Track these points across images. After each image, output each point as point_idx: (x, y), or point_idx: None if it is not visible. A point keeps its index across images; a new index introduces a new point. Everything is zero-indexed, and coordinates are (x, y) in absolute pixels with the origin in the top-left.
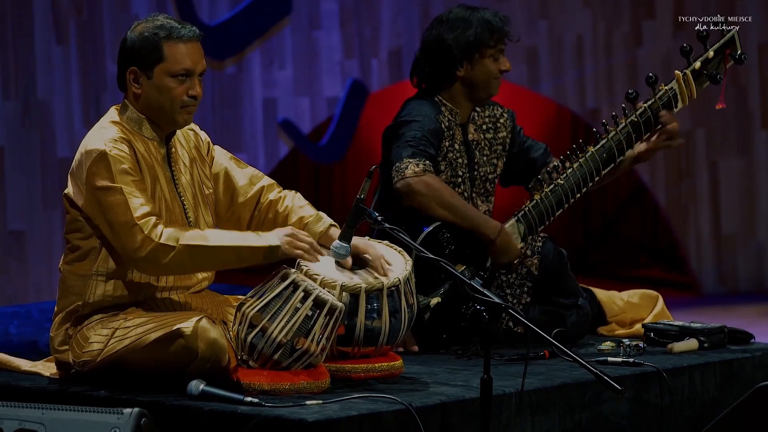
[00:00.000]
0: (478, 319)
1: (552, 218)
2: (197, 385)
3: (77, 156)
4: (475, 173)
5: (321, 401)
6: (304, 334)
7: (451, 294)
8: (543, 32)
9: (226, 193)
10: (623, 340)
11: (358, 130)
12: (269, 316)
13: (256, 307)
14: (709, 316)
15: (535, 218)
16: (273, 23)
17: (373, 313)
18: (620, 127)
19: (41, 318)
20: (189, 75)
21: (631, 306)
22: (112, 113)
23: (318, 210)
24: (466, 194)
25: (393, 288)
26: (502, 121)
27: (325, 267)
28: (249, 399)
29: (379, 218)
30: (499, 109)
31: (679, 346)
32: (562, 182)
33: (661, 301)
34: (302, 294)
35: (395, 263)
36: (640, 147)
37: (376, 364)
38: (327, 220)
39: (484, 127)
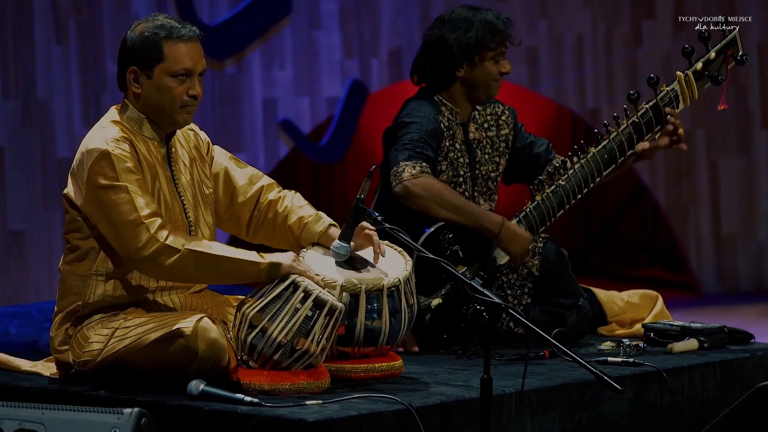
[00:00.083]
0: (479, 320)
1: (553, 219)
2: (197, 385)
3: (78, 156)
4: (477, 172)
5: (321, 401)
6: (304, 335)
7: (452, 295)
8: (543, 32)
9: (225, 192)
10: (623, 340)
11: (358, 130)
12: (269, 316)
13: (256, 307)
14: (709, 316)
15: (536, 219)
16: (273, 23)
17: (373, 313)
18: (622, 128)
19: (41, 318)
20: (189, 75)
21: (631, 306)
22: (113, 113)
23: (318, 210)
24: (468, 193)
25: (393, 288)
26: (503, 118)
27: (325, 267)
28: (249, 399)
29: (379, 218)
30: (501, 106)
31: (679, 346)
32: (563, 183)
33: (660, 301)
34: (302, 294)
35: (395, 263)
36: (643, 145)
37: (376, 364)
38: (326, 219)
39: (486, 125)
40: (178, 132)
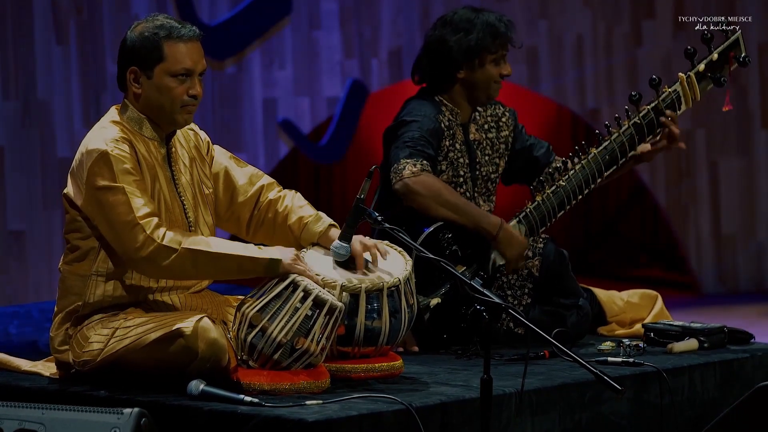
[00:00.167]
0: (478, 320)
1: (553, 219)
2: (197, 385)
3: (77, 156)
4: (477, 173)
5: (321, 401)
6: (304, 334)
7: (451, 294)
8: (543, 32)
9: (225, 192)
10: (623, 340)
11: (358, 130)
12: (269, 316)
13: (255, 307)
14: (709, 316)
15: (536, 219)
16: (273, 23)
17: (373, 313)
18: (623, 128)
19: (41, 318)
20: (189, 75)
21: (631, 306)
22: (113, 113)
23: (318, 210)
24: (467, 194)
25: (393, 288)
26: (504, 119)
27: (324, 267)
28: (249, 399)
29: (379, 218)
30: (501, 107)
31: (679, 346)
32: (564, 184)
33: (660, 301)
34: (302, 294)
35: (395, 263)
36: (643, 147)
37: (376, 364)
38: (326, 219)
39: (486, 126)
40: (178, 132)
